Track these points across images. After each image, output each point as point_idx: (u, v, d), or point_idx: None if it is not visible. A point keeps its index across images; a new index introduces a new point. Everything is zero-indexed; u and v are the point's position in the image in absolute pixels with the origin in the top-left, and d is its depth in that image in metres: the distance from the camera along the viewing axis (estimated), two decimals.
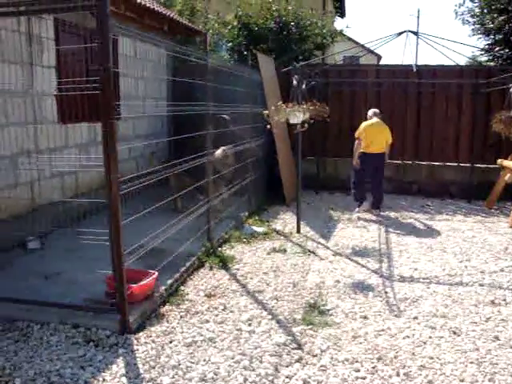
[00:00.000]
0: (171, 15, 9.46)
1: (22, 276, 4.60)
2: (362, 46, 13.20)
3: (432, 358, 3.39)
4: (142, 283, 3.95)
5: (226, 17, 12.27)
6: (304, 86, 6.60)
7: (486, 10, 13.21)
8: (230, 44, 11.60)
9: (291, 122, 6.11)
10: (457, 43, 7.99)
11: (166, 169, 4.59)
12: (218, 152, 6.71)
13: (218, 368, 3.23)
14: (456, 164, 8.98)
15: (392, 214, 7.67)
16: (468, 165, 8.74)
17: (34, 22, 5.75)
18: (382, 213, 7.71)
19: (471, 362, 3.34)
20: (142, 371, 3.18)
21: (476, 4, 13.77)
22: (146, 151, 8.51)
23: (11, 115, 5.46)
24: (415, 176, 9.14)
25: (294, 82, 6.41)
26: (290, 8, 11.30)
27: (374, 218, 7.45)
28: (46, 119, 6.00)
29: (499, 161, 7.84)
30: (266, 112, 6.51)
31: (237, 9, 11.47)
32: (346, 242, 6.19)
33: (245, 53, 11.03)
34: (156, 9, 8.60)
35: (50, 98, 6.09)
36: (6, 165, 5.42)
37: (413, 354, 3.45)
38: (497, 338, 3.69)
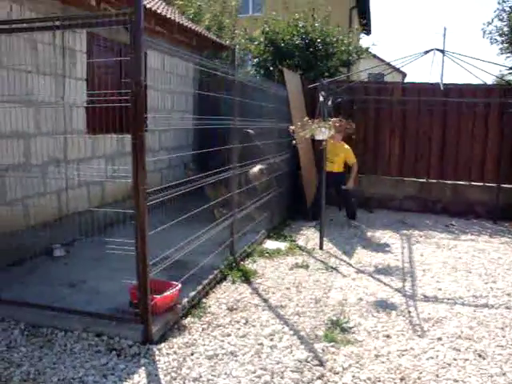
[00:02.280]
0: (199, 30, 9.63)
1: (48, 283, 4.68)
2: (388, 63, 13.22)
3: (457, 381, 3.32)
4: (165, 294, 3.98)
5: (253, 33, 12.42)
6: (330, 103, 6.61)
7: None
8: (257, 59, 11.73)
9: (317, 138, 6.13)
10: (484, 62, 7.99)
11: (195, 181, 4.63)
12: (255, 170, 6.90)
13: (239, 382, 3.22)
14: (482, 184, 8.85)
15: (416, 233, 7.58)
16: (494, 185, 8.62)
17: (68, 36, 5.92)
18: (358, 223, 7.90)
19: None
20: (163, 382, 3.19)
21: (504, 23, 13.69)
22: (172, 163, 8.62)
23: (43, 125, 5.61)
24: (440, 195, 9.04)
25: (321, 99, 6.44)
26: (316, 25, 11.38)
27: (397, 236, 7.38)
28: (75, 130, 6.15)
29: None
30: (292, 127, 6.55)
31: (263, 25, 11.61)
32: (368, 259, 6.14)
33: (271, 68, 11.13)
34: (185, 24, 8.77)
35: (81, 109, 6.24)
36: (36, 173, 5.55)
37: (436, 375, 3.40)
38: None
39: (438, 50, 7.04)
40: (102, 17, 3.72)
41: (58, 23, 3.97)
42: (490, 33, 14.15)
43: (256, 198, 6.61)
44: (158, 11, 7.55)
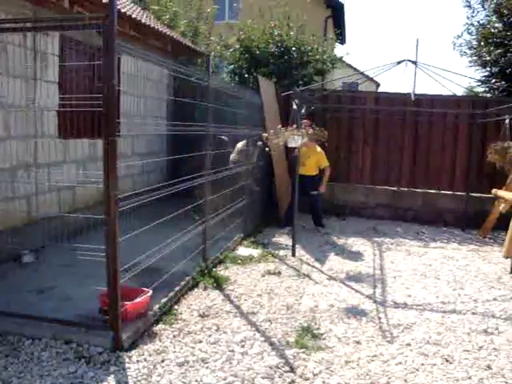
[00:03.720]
0: (174, 36, 9.61)
1: (16, 290, 4.58)
2: (362, 73, 13.42)
3: None
4: (136, 301, 3.94)
5: (228, 40, 12.46)
6: (303, 111, 6.68)
7: (482, 43, 13.48)
8: (232, 66, 11.76)
9: (289, 145, 6.18)
10: (454, 74, 8.20)
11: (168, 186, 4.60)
12: (239, 145, 7.35)
13: None
14: (451, 192, 9.06)
15: (387, 240, 7.69)
16: (463, 193, 8.82)
17: (40, 38, 5.84)
18: (327, 231, 8.00)
19: None
20: None
21: (473, 37, 14.05)
22: (145, 169, 8.55)
23: (12, 128, 5.50)
24: (411, 203, 9.20)
25: (294, 106, 6.50)
26: (291, 33, 11.49)
27: (369, 243, 7.47)
28: (46, 134, 6.05)
29: (494, 190, 7.91)
30: (265, 135, 6.59)
31: (239, 32, 11.66)
32: (340, 266, 6.20)
33: (246, 75, 11.18)
34: (160, 29, 8.74)
35: (52, 113, 6.15)
36: (5, 177, 5.44)
37: (405, 380, 3.45)
38: (489, 366, 3.69)
39: (410, 60, 7.19)
40: (75, 20, 3.69)
41: (29, 25, 3.93)
42: (460, 45, 14.49)
43: (250, 192, 6.77)
44: (133, 16, 7.52)
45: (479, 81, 13.97)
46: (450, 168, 9.07)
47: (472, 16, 14.18)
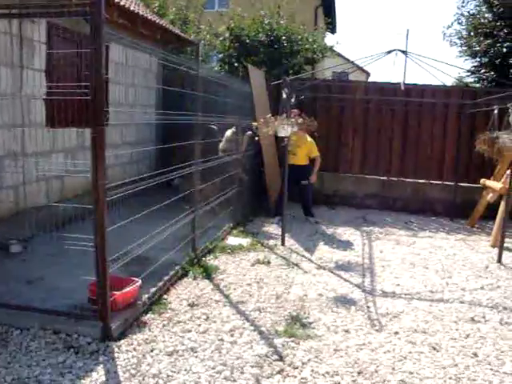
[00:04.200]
0: (163, 24, 9.51)
1: (3, 280, 4.54)
2: (352, 62, 13.38)
3: (412, 373, 3.42)
4: (125, 291, 3.93)
5: (218, 28, 12.37)
6: (293, 100, 6.66)
7: (472, 33, 13.51)
8: (221, 55, 11.69)
9: (279, 134, 6.17)
10: (444, 64, 8.23)
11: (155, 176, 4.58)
12: (228, 133, 7.50)
13: (199, 378, 3.22)
14: (440, 182, 9.11)
15: (376, 230, 7.74)
16: (452, 183, 8.88)
17: (26, 25, 5.75)
18: (317, 220, 7.99)
19: (450, 378, 3.38)
20: (122, 379, 3.15)
21: (463, 27, 14.09)
22: (134, 158, 8.50)
23: None
24: (400, 193, 9.25)
25: (284, 96, 6.48)
26: (281, 22, 11.43)
27: (358, 232, 7.51)
28: (33, 122, 5.98)
29: (482, 180, 7.97)
30: (255, 124, 6.57)
31: (229, 21, 11.58)
32: (329, 255, 6.23)
33: (235, 64, 11.12)
34: (149, 17, 8.64)
35: (39, 101, 6.07)
36: None
37: (393, 368, 3.48)
38: (475, 354, 3.74)
39: (400, 50, 7.17)
40: (61, 6, 3.63)
41: (14, 11, 3.86)
42: (450, 36, 14.52)
43: (240, 182, 6.96)
44: (121, 3, 7.41)
45: (469, 71, 14.02)
46: (440, 158, 9.12)
47: (462, 6, 14.21)
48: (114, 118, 7.65)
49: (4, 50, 5.41)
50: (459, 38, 14.22)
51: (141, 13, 8.21)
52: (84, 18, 3.41)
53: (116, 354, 3.44)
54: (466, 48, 13.97)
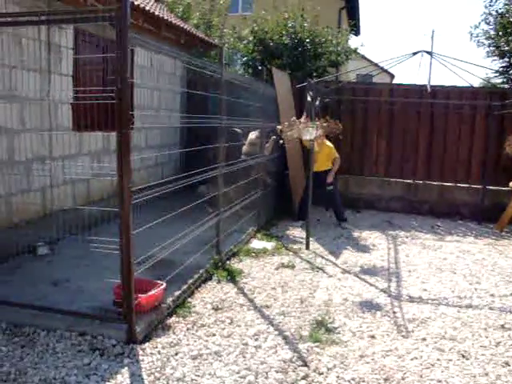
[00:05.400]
0: (187, 28, 9.57)
1: (31, 281, 4.61)
2: (376, 64, 13.29)
3: (440, 382, 3.34)
4: (150, 294, 3.95)
5: (242, 32, 12.39)
6: (318, 103, 6.62)
7: (501, 33, 13.22)
8: (245, 58, 11.70)
9: (304, 138, 6.14)
10: (471, 64, 8.08)
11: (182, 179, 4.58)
12: (252, 137, 7.48)
13: (223, 382, 3.20)
14: (467, 185, 8.93)
15: (402, 234, 7.62)
16: (479, 186, 8.69)
17: (54, 31, 5.85)
18: (347, 225, 7.85)
19: None
20: (146, 382, 3.16)
21: (491, 27, 13.78)
22: (159, 161, 8.58)
23: (27, 122, 5.53)
24: (426, 196, 9.10)
25: (309, 99, 6.44)
26: (305, 25, 11.38)
27: (383, 236, 7.41)
28: (61, 126, 6.07)
29: (511, 183, 7.79)
30: (280, 127, 6.54)
31: (253, 24, 11.59)
32: (354, 259, 6.16)
33: (259, 68, 11.11)
34: (173, 22, 8.71)
35: (66, 105, 6.17)
36: (21, 170, 5.48)
37: (420, 376, 3.41)
38: (507, 363, 3.63)
39: (425, 51, 7.09)
40: (88, 12, 3.68)
41: (43, 18, 3.93)
42: (477, 36, 14.21)
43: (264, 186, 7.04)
44: (147, 8, 7.49)
45: (497, 71, 13.71)
46: (467, 160, 8.94)
47: (490, 5, 13.88)
48: (139, 122, 7.72)
49: (33, 56, 5.51)
50: (487, 38, 13.91)
51: (165, 17, 8.28)
52: (110, 23, 3.44)
53: (140, 357, 3.45)
54: (493, 48, 13.66)
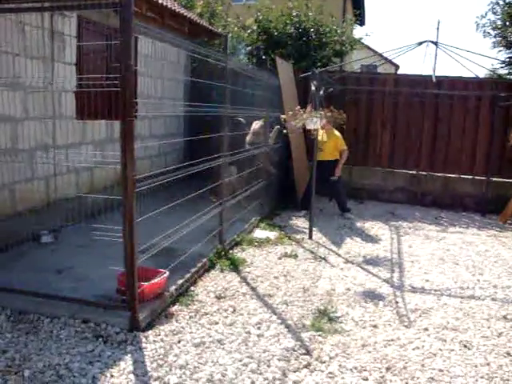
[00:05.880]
0: (191, 17, 9.51)
1: (35, 269, 4.63)
2: (381, 55, 13.18)
3: (442, 371, 3.35)
4: (153, 282, 3.96)
5: (246, 21, 12.32)
6: (322, 92, 6.58)
7: (508, 23, 13.12)
8: (249, 48, 11.64)
9: (308, 127, 6.11)
10: (477, 55, 8.03)
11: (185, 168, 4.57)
12: (256, 127, 7.55)
13: (226, 370, 3.22)
14: (471, 177, 8.90)
15: (405, 224, 7.61)
16: (483, 178, 8.66)
17: (57, 19, 5.82)
18: (351, 216, 7.83)
19: (481, 377, 3.30)
20: (149, 369, 3.18)
21: (498, 17, 13.68)
22: (162, 150, 8.57)
23: (31, 110, 5.53)
24: (430, 187, 9.07)
25: (313, 88, 6.41)
26: (310, 14, 11.31)
27: (386, 227, 7.40)
28: (64, 115, 6.07)
29: None
30: (283, 116, 6.52)
31: (257, 13, 11.52)
32: (357, 249, 6.16)
33: (263, 57, 11.06)
34: (177, 10, 8.65)
35: (70, 94, 6.15)
36: (24, 158, 5.48)
37: (422, 365, 3.42)
38: (508, 353, 3.64)
39: (431, 41, 7.04)
40: None
41: (46, 5, 3.91)
42: (484, 26, 14.12)
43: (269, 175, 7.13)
44: None
45: (503, 62, 13.61)
46: (471, 152, 8.90)
47: None
48: (143, 111, 7.71)
49: (36, 44, 5.49)
50: (493, 29, 13.82)
51: (169, 5, 8.23)
52: (114, 11, 3.42)
53: (143, 344, 3.47)
54: (500, 38, 13.57)
